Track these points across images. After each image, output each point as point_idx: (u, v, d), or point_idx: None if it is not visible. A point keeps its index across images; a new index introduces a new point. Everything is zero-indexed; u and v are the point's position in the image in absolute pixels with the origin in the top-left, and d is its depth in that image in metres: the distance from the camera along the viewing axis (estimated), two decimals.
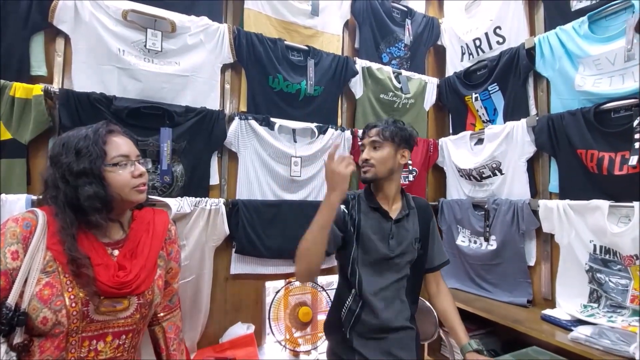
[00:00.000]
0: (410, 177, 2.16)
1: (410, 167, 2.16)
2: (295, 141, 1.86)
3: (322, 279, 2.00)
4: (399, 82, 2.16)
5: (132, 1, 1.50)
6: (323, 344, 1.88)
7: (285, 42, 1.84)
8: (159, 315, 1.03)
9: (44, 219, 0.84)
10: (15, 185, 1.35)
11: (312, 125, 1.89)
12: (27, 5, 1.37)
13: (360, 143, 1.23)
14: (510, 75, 1.86)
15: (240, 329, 1.64)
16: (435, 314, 1.75)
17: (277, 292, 1.76)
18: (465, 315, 1.88)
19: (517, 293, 1.76)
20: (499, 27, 1.96)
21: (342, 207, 1.15)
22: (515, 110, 1.86)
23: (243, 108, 1.78)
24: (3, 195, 1.30)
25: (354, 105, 2.09)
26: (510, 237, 1.80)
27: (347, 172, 0.97)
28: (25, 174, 1.38)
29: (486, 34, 2.02)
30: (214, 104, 1.68)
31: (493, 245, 1.88)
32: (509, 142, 1.84)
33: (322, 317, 2.23)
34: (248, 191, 1.74)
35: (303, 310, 1.72)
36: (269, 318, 1.71)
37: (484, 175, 1.99)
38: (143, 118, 1.47)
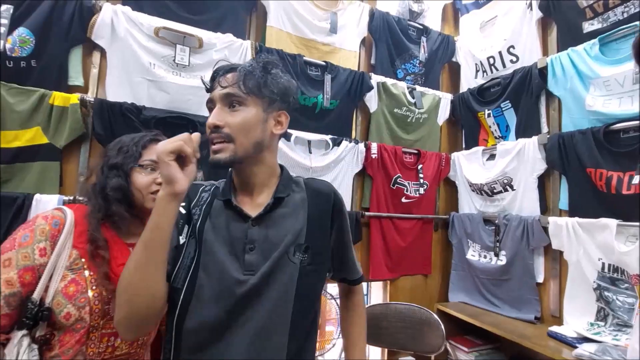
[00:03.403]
0: (421, 190, 2.20)
1: (422, 180, 2.20)
2: (310, 152, 1.93)
3: (331, 288, 2.04)
4: (413, 98, 2.22)
5: (163, 19, 1.61)
6: (330, 351, 1.92)
7: (304, 57, 1.93)
8: None
9: (72, 218, 0.88)
10: (49, 187, 1.45)
11: (327, 137, 1.96)
12: (69, 20, 1.48)
13: (208, 99, 0.77)
14: (522, 93, 1.90)
15: None
16: (442, 327, 1.78)
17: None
18: (472, 329, 1.91)
19: (525, 309, 1.77)
20: (513, 47, 2.00)
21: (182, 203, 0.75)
22: (527, 127, 1.89)
23: None
24: (37, 195, 1.39)
25: (368, 119, 2.15)
26: (519, 253, 1.82)
27: (165, 150, 0.63)
28: (58, 177, 1.48)
29: (500, 52, 2.07)
30: None
31: (502, 260, 1.90)
32: (520, 158, 1.87)
33: (329, 328, 2.28)
34: None
35: None
36: None
37: (495, 191, 2.02)
38: (169, 127, 1.56)
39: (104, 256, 0.86)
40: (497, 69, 2.12)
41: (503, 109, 2.01)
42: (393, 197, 2.14)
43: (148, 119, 1.53)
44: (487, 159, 2.11)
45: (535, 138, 1.80)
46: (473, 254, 2.10)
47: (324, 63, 1.98)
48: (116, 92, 1.55)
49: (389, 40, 2.21)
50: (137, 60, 1.56)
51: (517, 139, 1.93)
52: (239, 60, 1.76)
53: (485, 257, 2.02)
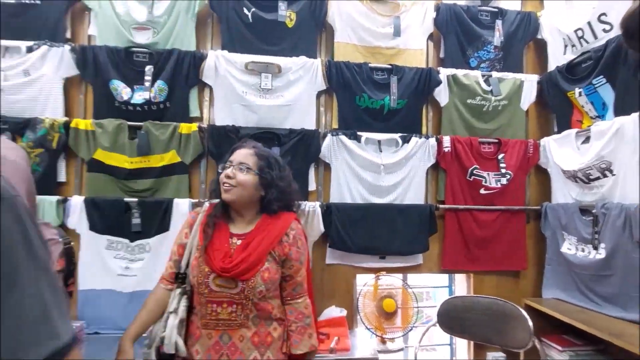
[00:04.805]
0: (504, 181, 2.11)
1: (504, 170, 2.11)
2: (380, 151, 2.08)
3: (411, 277, 2.16)
4: (489, 85, 2.15)
5: (251, 54, 2.00)
6: (410, 334, 2.05)
7: (370, 64, 2.09)
8: (285, 298, 1.23)
9: (204, 213, 1.25)
10: (182, 193, 1.98)
11: (396, 136, 2.08)
12: (187, 69, 1.98)
13: None
14: (619, 65, 1.68)
15: (334, 312, 1.95)
16: (529, 322, 1.71)
17: (366, 284, 2.01)
18: (571, 329, 1.76)
19: (631, 308, 1.57)
20: (604, 14, 1.77)
21: None
22: (627, 103, 1.66)
23: (335, 125, 2.10)
24: (175, 199, 1.93)
25: (440, 113, 2.18)
26: (622, 246, 1.62)
27: None
28: (187, 185, 2.00)
29: (589, 23, 1.85)
30: (311, 125, 2.06)
31: (602, 253, 1.71)
32: (619, 139, 1.66)
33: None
34: (340, 196, 2.05)
35: (387, 302, 1.93)
36: (359, 306, 1.97)
37: (591, 177, 1.82)
38: (260, 141, 1.90)
39: (207, 238, 1.16)
40: (587, 42, 1.89)
41: (596, 86, 1.80)
42: (470, 188, 2.12)
43: (244, 136, 1.93)
44: (582, 142, 1.91)
45: (635, 115, 1.58)
46: (569, 247, 1.92)
47: (389, 66, 2.11)
48: (221, 117, 2.00)
49: (458, 30, 2.19)
50: (234, 91, 1.98)
51: (616, 116, 1.71)
52: (312, 77, 2.04)
53: (582, 250, 1.84)
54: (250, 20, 2.02)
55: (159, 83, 1.94)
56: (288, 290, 1.23)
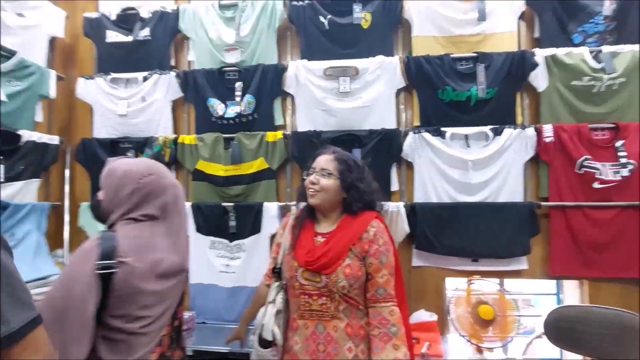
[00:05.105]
0: (624, 172, 1.79)
1: (624, 160, 1.80)
2: (468, 146, 1.95)
3: (507, 282, 1.97)
4: (599, 62, 1.85)
5: (328, 60, 2.05)
6: (510, 344, 1.87)
7: (452, 55, 1.98)
8: (368, 300, 1.22)
9: (294, 215, 1.37)
10: (270, 197, 2.12)
11: (486, 129, 1.92)
12: (271, 81, 2.12)
13: None
14: None
15: (424, 316, 1.88)
16: None
17: (458, 289, 1.90)
18: None
19: None
20: None
21: None
22: None
23: (416, 123, 2.03)
24: (265, 202, 2.07)
25: (537, 100, 1.95)
26: None
27: None
28: (275, 189, 2.14)
29: None
30: (391, 124, 2.02)
31: None
32: None
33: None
34: (424, 195, 1.97)
35: (484, 309, 1.78)
36: (450, 312, 1.87)
37: None
38: (340, 143, 1.95)
39: (296, 237, 1.28)
40: None
41: None
42: (581, 183, 1.85)
43: (324, 139, 1.99)
44: None
45: None
46: None
47: (474, 54, 1.96)
48: (303, 123, 2.09)
49: (556, 4, 1.94)
50: (314, 97, 2.06)
51: None
52: (390, 75, 2.01)
53: None
54: (327, 27, 2.08)
55: (248, 97, 2.12)
56: (371, 292, 1.23)
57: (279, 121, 2.16)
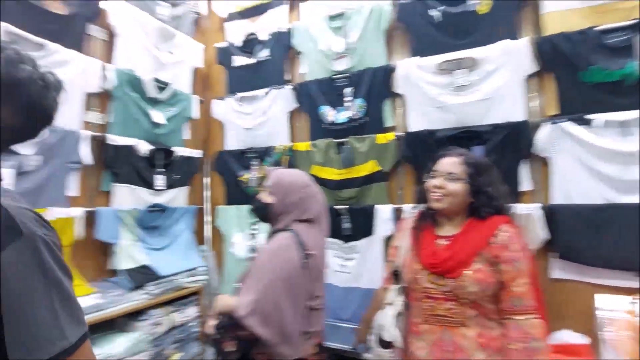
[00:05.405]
0: None
1: None
2: (628, 135, 1.60)
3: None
4: None
5: (441, 54, 1.94)
6: None
7: (597, 28, 1.66)
8: (504, 311, 1.14)
9: (413, 218, 1.37)
10: (382, 199, 2.11)
11: None
12: (380, 83, 2.11)
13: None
14: None
15: (570, 337, 1.60)
16: None
17: (615, 310, 1.56)
18: None
19: None
20: None
21: None
22: None
23: (552, 112, 1.77)
24: (376, 205, 2.07)
25: None
26: None
27: None
28: (386, 192, 2.12)
29: None
30: (518, 116, 1.80)
31: None
32: None
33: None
34: (565, 195, 1.69)
35: None
36: (604, 335, 1.55)
37: None
38: (459, 141, 1.83)
39: (416, 240, 1.28)
40: None
41: None
42: None
43: (440, 138, 1.89)
44: None
45: None
46: None
47: (631, 22, 1.60)
48: (415, 123, 2.03)
49: None
50: (426, 95, 1.97)
51: None
52: (516, 62, 1.79)
53: None
54: (441, 18, 1.97)
55: (358, 101, 2.16)
56: (506, 302, 1.14)
57: (388, 123, 2.14)
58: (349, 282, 2.14)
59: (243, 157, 2.51)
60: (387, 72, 2.09)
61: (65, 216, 1.72)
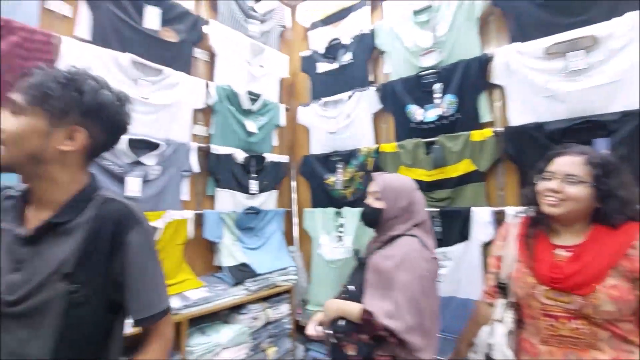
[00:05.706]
0: None
1: None
2: None
3: None
4: None
5: (549, 36, 1.71)
6: None
7: None
8: None
9: (519, 224, 1.22)
10: (479, 201, 1.94)
11: None
12: (475, 75, 1.94)
13: None
14: None
15: None
16: None
17: None
18: None
19: None
20: None
21: None
22: None
23: None
24: (472, 207, 1.91)
25: None
26: None
27: None
28: (484, 193, 1.94)
29: None
30: None
31: None
32: None
33: None
34: None
35: None
36: None
37: None
38: (575, 134, 1.59)
39: (527, 250, 1.13)
40: None
41: None
42: None
43: (552, 132, 1.66)
44: None
45: None
46: None
47: None
48: (518, 117, 1.82)
49: None
50: (532, 83, 1.75)
51: None
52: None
53: None
54: None
55: (448, 97, 2.03)
56: None
57: (485, 118, 1.96)
58: (442, 292, 2.00)
59: (328, 161, 2.55)
60: (482, 63, 1.92)
61: (180, 218, 1.97)
